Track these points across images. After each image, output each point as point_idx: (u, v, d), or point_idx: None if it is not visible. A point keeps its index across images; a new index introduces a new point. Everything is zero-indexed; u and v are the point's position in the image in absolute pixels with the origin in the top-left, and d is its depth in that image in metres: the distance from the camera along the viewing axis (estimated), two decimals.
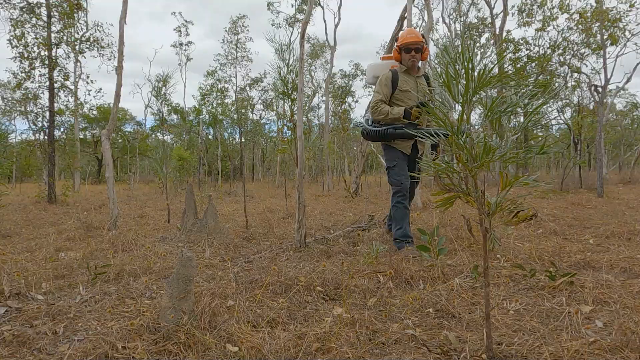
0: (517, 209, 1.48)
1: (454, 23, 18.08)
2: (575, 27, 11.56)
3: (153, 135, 30.31)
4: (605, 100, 10.95)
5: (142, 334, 1.75)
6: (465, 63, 1.36)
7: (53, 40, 9.62)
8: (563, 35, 12.21)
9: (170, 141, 27.67)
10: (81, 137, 23.12)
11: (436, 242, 2.78)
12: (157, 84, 23.72)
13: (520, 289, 2.38)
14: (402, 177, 3.48)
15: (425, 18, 12.08)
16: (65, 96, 10.85)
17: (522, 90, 1.39)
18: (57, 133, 15.72)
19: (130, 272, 2.78)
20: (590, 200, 7.30)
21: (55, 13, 9.75)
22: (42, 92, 10.49)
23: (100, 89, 22.29)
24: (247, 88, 24.17)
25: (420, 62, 3.63)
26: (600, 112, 9.32)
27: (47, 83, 9.45)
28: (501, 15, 15.16)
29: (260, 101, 25.10)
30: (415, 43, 3.50)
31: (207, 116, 23.75)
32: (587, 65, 13.43)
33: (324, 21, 21.34)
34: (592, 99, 15.13)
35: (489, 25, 16.20)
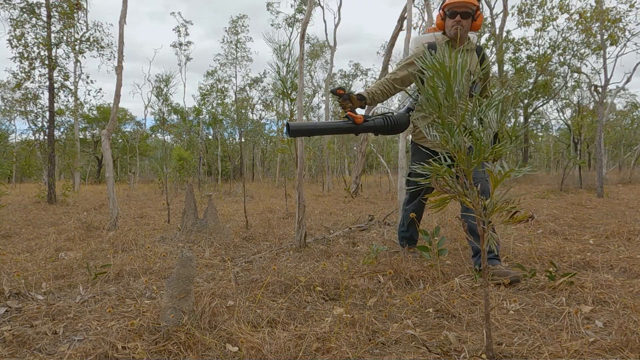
0: (514, 209, 1.47)
1: None
2: (575, 27, 11.57)
3: (153, 135, 30.32)
4: (605, 100, 10.95)
5: (142, 334, 1.75)
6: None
7: (53, 40, 9.62)
8: (563, 35, 12.21)
9: (170, 141, 27.67)
10: (81, 137, 23.08)
11: (437, 243, 2.78)
12: (159, 84, 23.72)
13: (520, 289, 2.38)
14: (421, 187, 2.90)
15: (425, 18, 12.07)
16: (65, 96, 10.85)
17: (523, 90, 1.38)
18: (57, 133, 15.73)
19: (130, 272, 2.78)
20: (590, 200, 7.30)
21: (55, 13, 9.75)
22: (42, 92, 10.51)
23: (100, 89, 22.29)
24: (247, 88, 24.18)
25: (469, 32, 2.84)
26: (600, 112, 9.33)
27: (47, 83, 9.45)
28: (501, 15, 15.15)
29: (260, 101, 25.11)
30: (462, 4, 2.70)
31: (207, 116, 23.75)
32: (587, 65, 13.45)
33: (324, 21, 21.37)
34: (592, 99, 15.14)
35: (489, 25, 16.20)
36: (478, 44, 2.92)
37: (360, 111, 2.78)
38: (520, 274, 2.50)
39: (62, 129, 19.10)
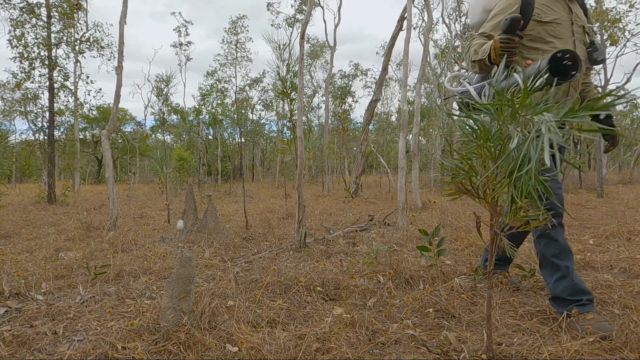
0: (530, 216, 1.43)
1: (454, 23, 18.07)
2: None
3: (153, 136, 30.32)
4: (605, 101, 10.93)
5: (142, 334, 1.75)
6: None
7: (53, 40, 9.62)
8: None
9: (170, 141, 27.66)
10: (81, 137, 23.05)
11: (437, 243, 2.77)
12: (159, 84, 23.70)
13: (520, 289, 2.38)
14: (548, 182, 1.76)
15: (425, 18, 12.08)
16: (65, 96, 10.86)
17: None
18: (57, 133, 15.73)
19: (130, 272, 2.78)
20: (590, 201, 7.30)
21: (55, 13, 9.75)
22: (42, 92, 10.51)
23: (100, 89, 22.31)
24: (247, 88, 24.18)
25: None
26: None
27: (47, 83, 9.46)
28: None
29: (260, 101, 25.10)
30: None
31: (207, 116, 23.74)
32: None
33: (324, 21, 21.31)
34: None
35: None
36: None
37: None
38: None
39: (62, 129, 19.11)
